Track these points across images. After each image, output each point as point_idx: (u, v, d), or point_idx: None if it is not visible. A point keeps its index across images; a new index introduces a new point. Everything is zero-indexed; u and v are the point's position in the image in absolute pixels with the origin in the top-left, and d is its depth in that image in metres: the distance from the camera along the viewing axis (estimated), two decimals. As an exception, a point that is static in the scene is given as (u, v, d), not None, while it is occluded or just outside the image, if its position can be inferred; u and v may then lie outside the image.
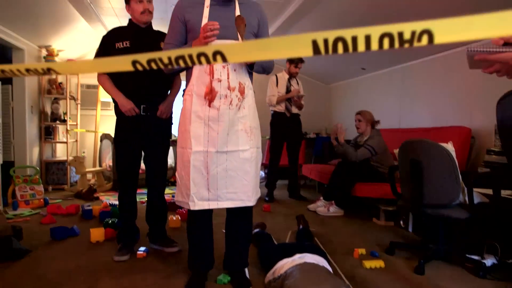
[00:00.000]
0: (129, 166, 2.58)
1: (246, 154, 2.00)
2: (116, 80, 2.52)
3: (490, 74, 1.09)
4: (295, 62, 4.69)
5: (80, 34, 5.16)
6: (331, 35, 0.56)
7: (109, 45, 2.48)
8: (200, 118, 1.96)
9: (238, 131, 1.98)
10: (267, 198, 4.73)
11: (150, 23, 2.59)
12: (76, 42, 5.48)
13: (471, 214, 2.29)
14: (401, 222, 3.50)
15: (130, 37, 2.48)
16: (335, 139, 4.17)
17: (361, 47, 0.55)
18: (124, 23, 2.63)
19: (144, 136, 2.55)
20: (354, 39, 0.55)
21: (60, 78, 5.68)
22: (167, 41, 2.08)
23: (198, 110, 1.96)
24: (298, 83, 4.89)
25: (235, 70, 1.97)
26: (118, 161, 2.60)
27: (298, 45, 0.59)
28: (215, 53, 0.66)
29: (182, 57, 0.68)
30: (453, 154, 2.24)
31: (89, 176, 5.76)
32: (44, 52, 5.33)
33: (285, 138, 4.82)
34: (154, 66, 0.72)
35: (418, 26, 0.52)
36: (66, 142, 5.48)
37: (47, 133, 5.46)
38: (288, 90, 4.74)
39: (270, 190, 4.82)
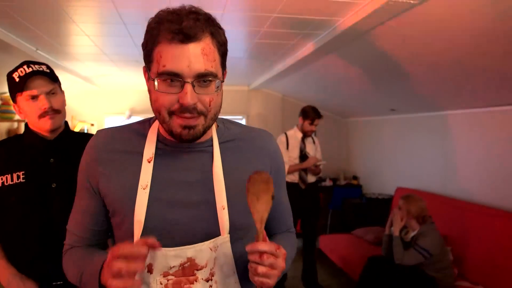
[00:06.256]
0: None
1: None
2: (12, 239, 1.42)
3: None
4: (311, 117, 3.60)
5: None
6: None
7: None
8: None
9: None
10: (275, 294, 3.65)
11: (65, 125, 1.51)
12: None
13: None
14: None
15: (26, 163, 1.40)
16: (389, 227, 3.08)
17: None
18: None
19: None
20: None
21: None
22: (69, 226, 1.01)
23: None
24: (314, 142, 3.80)
25: None
26: None
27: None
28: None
29: None
30: None
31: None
32: (-3, 100, 4.31)
33: (299, 215, 3.74)
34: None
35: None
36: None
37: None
38: (302, 154, 3.65)
39: (280, 282, 3.74)
